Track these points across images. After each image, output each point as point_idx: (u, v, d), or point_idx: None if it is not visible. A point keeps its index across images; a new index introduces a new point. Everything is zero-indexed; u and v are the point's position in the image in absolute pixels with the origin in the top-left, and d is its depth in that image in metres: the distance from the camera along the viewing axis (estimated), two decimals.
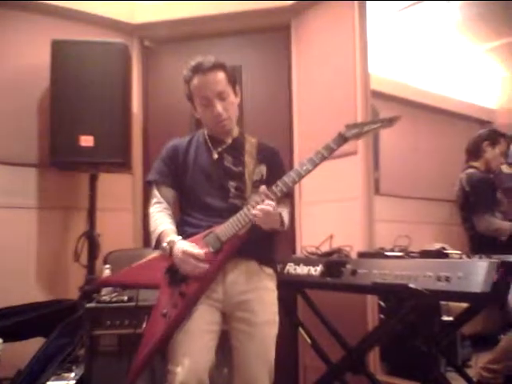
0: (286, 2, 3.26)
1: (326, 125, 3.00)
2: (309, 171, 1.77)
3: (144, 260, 1.95)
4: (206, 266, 1.75)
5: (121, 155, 3.00)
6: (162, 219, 1.93)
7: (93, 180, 3.07)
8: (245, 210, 1.78)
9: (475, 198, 3.15)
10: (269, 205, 1.72)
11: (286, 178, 1.77)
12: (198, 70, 1.88)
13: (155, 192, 1.99)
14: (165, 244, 1.82)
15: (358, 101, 2.91)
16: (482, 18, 4.13)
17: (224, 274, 1.83)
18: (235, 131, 2.03)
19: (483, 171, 3.28)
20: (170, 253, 1.80)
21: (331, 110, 3.04)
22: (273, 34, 3.48)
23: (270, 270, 1.93)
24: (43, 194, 3.17)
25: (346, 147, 2.74)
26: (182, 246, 1.78)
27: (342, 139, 1.77)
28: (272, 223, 1.78)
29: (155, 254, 1.91)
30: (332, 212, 3.01)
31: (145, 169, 3.47)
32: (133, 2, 3.46)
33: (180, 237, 1.84)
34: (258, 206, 1.72)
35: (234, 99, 1.95)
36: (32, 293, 3.04)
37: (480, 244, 3.09)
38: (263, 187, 1.76)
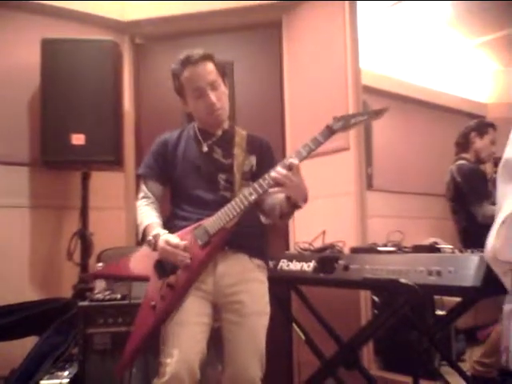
0: None
1: (318, 121, 2.97)
2: None
3: (136, 252, 1.98)
4: (186, 254, 1.77)
5: (113, 153, 3.01)
6: (147, 213, 1.95)
7: (85, 178, 3.06)
8: (232, 202, 1.78)
9: (469, 189, 3.15)
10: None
11: (272, 172, 1.73)
12: (187, 62, 1.88)
13: (142, 186, 2.03)
14: (150, 237, 1.85)
15: (350, 96, 2.91)
16: (473, 13, 4.14)
17: (214, 266, 1.85)
18: (226, 123, 2.03)
19: (473, 162, 3.29)
20: (154, 246, 1.82)
21: (323, 105, 3.03)
22: (264, 31, 3.47)
23: (259, 262, 1.94)
24: (35, 193, 3.16)
25: (338, 143, 2.80)
26: (166, 237, 1.80)
27: (330, 132, 1.76)
28: (299, 185, 1.74)
29: (146, 246, 1.92)
30: (325, 208, 3.01)
31: (137, 166, 3.42)
32: None
33: (166, 231, 1.86)
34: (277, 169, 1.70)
35: (225, 89, 1.96)
36: (25, 292, 3.03)
37: (470, 236, 3.09)
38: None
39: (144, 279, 1.88)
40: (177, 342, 1.74)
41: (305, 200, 1.83)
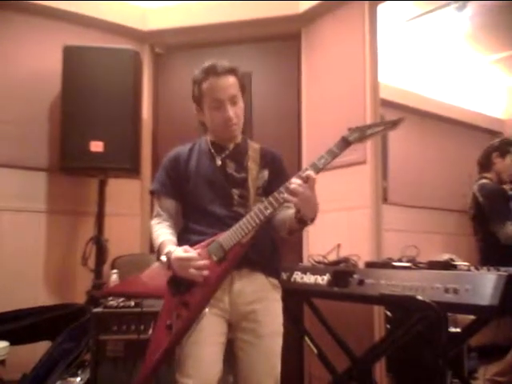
0: (296, 11, 3.27)
1: (335, 133, 2.98)
2: None
3: (149, 269, 1.93)
4: (205, 261, 1.71)
5: (130, 161, 3.02)
6: (160, 231, 1.91)
7: (102, 185, 3.09)
8: (248, 217, 1.74)
9: (491, 209, 3.12)
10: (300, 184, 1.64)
11: (287, 184, 1.68)
12: (211, 72, 1.85)
13: (156, 204, 1.99)
14: (163, 257, 1.79)
15: (368, 109, 2.91)
16: (490, 29, 4.13)
17: (230, 284, 1.82)
18: (238, 137, 1.99)
19: (495, 182, 3.25)
20: (168, 264, 1.77)
21: (340, 118, 3.03)
22: (283, 42, 3.49)
23: (275, 281, 1.91)
24: (53, 198, 3.19)
25: (354, 156, 2.80)
26: (177, 253, 1.75)
27: (345, 143, 1.72)
28: (311, 199, 1.68)
29: (159, 262, 1.90)
30: (340, 221, 3.01)
31: (154, 175, 3.45)
32: (144, 9, 3.49)
33: (178, 247, 1.79)
34: (293, 180, 1.65)
35: (242, 105, 1.93)
36: (39, 296, 3.05)
37: (490, 255, 3.06)
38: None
39: (157, 297, 1.84)
40: (196, 362, 1.72)
41: (313, 218, 1.78)
